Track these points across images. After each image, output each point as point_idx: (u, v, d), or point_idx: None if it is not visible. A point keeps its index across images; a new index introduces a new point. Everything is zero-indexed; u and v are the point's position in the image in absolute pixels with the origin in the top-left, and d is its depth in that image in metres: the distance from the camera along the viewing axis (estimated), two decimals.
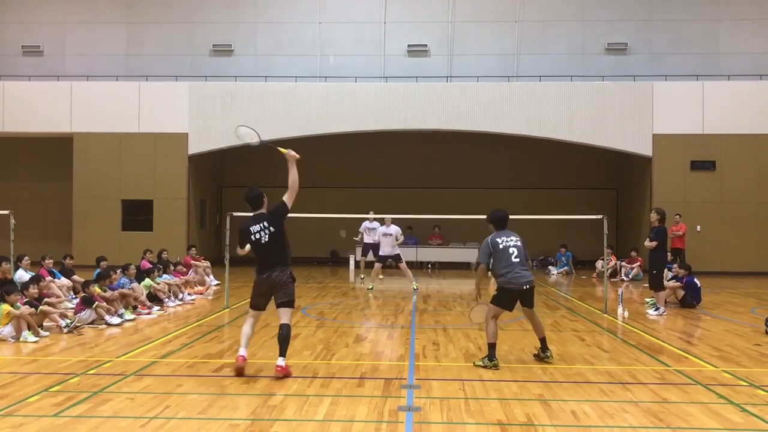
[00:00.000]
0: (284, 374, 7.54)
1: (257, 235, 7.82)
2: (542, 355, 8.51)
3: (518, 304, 8.50)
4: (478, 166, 25.19)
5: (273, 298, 7.83)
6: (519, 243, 8.40)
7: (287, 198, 7.94)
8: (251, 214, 8.10)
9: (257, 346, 9.34)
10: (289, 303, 7.75)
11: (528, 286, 8.31)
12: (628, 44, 23.49)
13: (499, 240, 8.37)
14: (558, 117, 21.61)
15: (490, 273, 8.59)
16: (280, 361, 7.57)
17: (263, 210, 7.97)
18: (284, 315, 7.71)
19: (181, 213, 22.14)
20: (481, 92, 21.88)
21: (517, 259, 8.28)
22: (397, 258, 16.68)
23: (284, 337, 7.61)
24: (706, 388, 7.32)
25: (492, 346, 8.19)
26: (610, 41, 23.49)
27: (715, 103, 21.50)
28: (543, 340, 8.56)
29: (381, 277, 18.57)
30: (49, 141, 23.43)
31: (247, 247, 8.01)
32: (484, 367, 8.11)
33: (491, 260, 8.34)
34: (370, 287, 16.54)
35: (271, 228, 7.80)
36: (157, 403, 6.57)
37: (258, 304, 7.94)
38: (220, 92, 22.25)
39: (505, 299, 8.37)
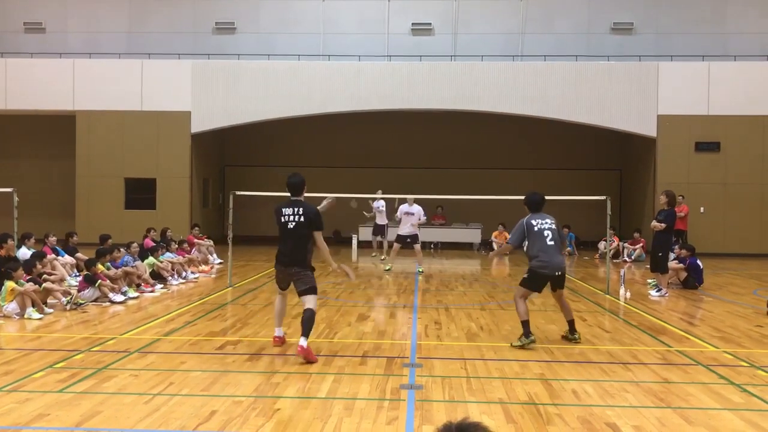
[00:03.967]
0: (304, 355, 7.27)
1: (286, 218, 7.71)
2: (570, 336, 8.53)
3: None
4: (481, 146, 25.11)
5: (293, 285, 7.75)
6: (554, 226, 8.37)
7: (321, 237, 7.81)
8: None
9: (260, 324, 9.40)
10: (310, 290, 7.62)
11: (560, 272, 8.32)
12: (633, 24, 23.28)
13: (534, 222, 8.32)
14: (562, 97, 21.48)
15: (507, 254, 8.66)
16: (302, 341, 7.29)
17: (301, 198, 7.86)
18: (308, 301, 7.58)
19: (183, 192, 22.14)
20: (485, 72, 21.74)
21: (552, 242, 8.25)
22: (414, 238, 16.36)
23: (305, 319, 7.42)
24: (707, 368, 7.35)
25: (525, 324, 8.21)
26: (616, 21, 23.28)
27: (721, 84, 21.34)
28: (571, 323, 8.57)
29: (374, 255, 18.93)
30: (51, 119, 23.37)
31: None
32: (522, 346, 8.10)
33: (525, 243, 8.32)
34: (388, 268, 16.45)
35: (302, 219, 7.66)
36: (161, 380, 6.61)
37: (281, 287, 7.99)
38: (223, 70, 22.15)
39: (535, 282, 8.39)
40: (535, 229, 8.26)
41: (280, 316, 8.13)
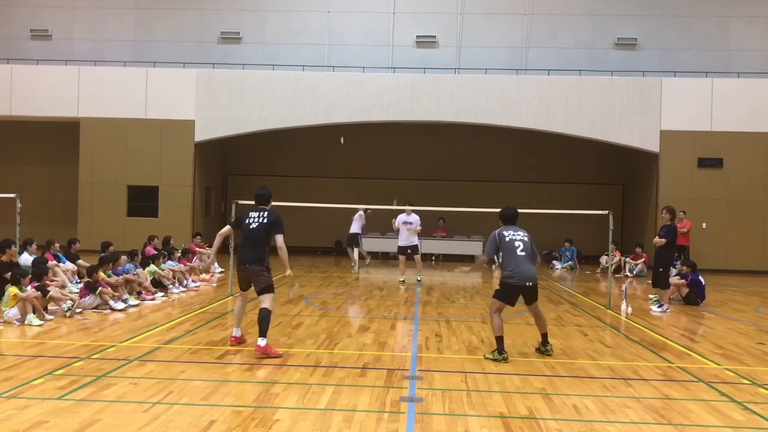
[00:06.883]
0: (262, 353, 7.81)
1: (250, 220, 8.26)
2: (542, 348, 8.57)
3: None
4: (484, 158, 25.14)
5: (252, 286, 8.27)
6: (526, 238, 8.41)
7: (282, 240, 8.27)
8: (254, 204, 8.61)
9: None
10: (266, 289, 8.12)
11: (531, 283, 8.29)
12: (637, 39, 23.37)
13: (505, 233, 8.40)
14: (566, 111, 21.53)
15: (495, 267, 8.67)
16: (260, 341, 7.88)
17: (267, 207, 8.45)
18: (264, 300, 8.09)
19: (186, 200, 22.18)
20: (489, 85, 21.80)
21: (523, 253, 8.27)
22: (414, 249, 16.57)
23: (261, 318, 7.98)
24: (708, 385, 7.31)
25: (499, 339, 8.22)
26: (620, 36, 23.36)
27: (724, 100, 21.39)
28: (545, 336, 8.62)
29: (368, 262, 19.26)
30: (56, 125, 23.45)
31: (226, 228, 8.62)
32: (494, 360, 8.11)
33: (499, 254, 8.39)
34: (402, 279, 16.35)
35: (265, 221, 8.21)
36: (160, 388, 6.60)
37: (241, 287, 8.49)
38: (228, 80, 22.22)
39: (506, 294, 8.39)
40: (506, 239, 8.32)
41: (239, 316, 8.60)
